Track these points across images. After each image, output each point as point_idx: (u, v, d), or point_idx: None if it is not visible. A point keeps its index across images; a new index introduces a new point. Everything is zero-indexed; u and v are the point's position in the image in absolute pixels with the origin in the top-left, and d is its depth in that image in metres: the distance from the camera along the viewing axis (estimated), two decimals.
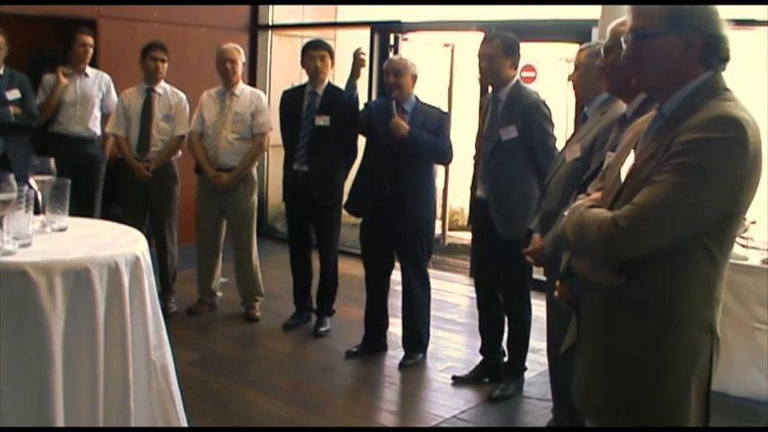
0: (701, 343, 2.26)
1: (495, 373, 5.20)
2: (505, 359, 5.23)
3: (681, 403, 2.26)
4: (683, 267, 2.24)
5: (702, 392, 2.28)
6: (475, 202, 5.15)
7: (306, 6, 9.79)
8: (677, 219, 2.18)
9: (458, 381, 5.27)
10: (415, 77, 5.46)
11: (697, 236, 2.21)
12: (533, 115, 4.77)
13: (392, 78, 5.44)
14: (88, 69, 6.90)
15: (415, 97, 5.50)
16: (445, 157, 5.51)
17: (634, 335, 2.31)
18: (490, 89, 5.05)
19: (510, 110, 4.83)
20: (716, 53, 2.26)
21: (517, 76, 4.95)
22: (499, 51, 4.87)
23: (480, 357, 5.32)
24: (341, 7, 10.03)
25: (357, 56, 5.58)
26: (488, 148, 4.93)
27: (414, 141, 5.31)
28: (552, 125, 4.80)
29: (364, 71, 5.67)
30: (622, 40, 2.39)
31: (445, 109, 6.52)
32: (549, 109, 4.85)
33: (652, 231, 2.20)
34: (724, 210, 2.20)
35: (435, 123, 5.41)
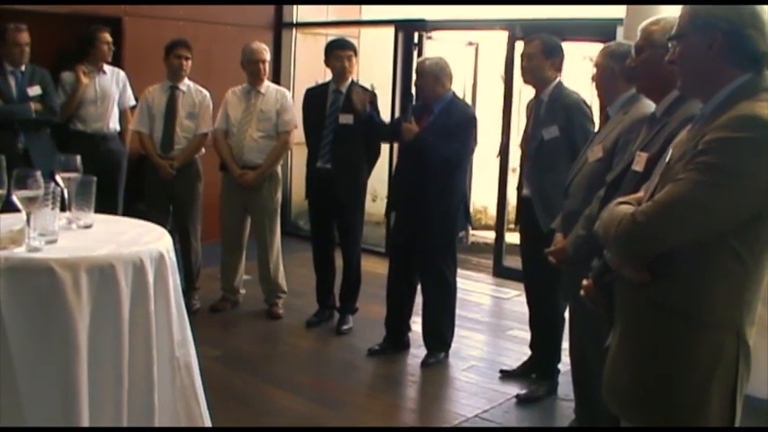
0: (725, 344, 2.25)
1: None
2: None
3: (699, 402, 2.26)
4: (708, 267, 2.23)
5: (727, 395, 2.27)
6: (521, 202, 5.18)
7: (330, 5, 9.80)
8: (694, 217, 2.17)
9: (505, 374, 5.33)
10: (437, 78, 5.37)
11: (723, 236, 2.19)
12: (574, 115, 4.78)
13: (415, 80, 5.51)
14: (105, 66, 6.93)
15: (453, 94, 5.48)
16: (448, 164, 5.34)
17: (657, 331, 2.32)
18: (534, 92, 5.05)
19: (552, 110, 4.86)
20: (743, 52, 2.25)
21: (559, 78, 4.95)
22: (538, 52, 4.92)
23: (514, 356, 5.37)
24: (365, 6, 10.03)
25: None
26: (532, 147, 4.96)
27: (418, 145, 5.33)
28: (593, 124, 4.78)
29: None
30: (669, 44, 2.40)
31: None
32: (590, 108, 4.88)
33: (668, 228, 2.21)
34: (748, 210, 2.17)
35: (453, 126, 5.34)
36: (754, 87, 2.25)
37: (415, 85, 5.55)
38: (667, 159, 2.39)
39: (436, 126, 5.35)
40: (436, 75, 5.39)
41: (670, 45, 2.40)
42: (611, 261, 2.46)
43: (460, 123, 5.36)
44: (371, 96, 5.97)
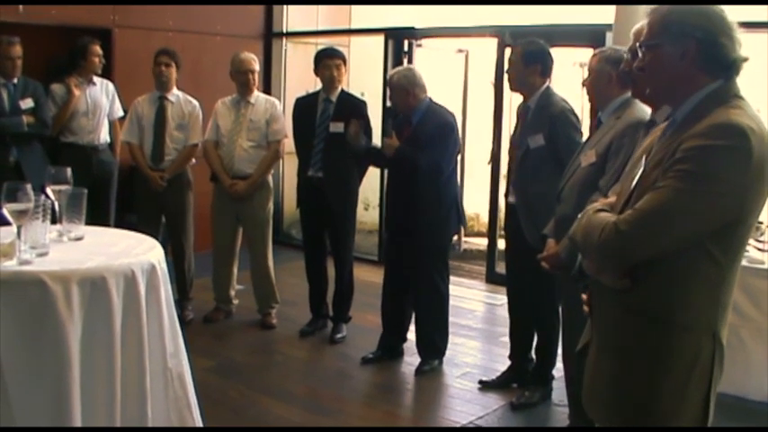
0: (702, 346, 2.27)
1: (523, 379, 5.18)
2: (532, 365, 5.20)
3: (677, 404, 2.28)
4: (687, 272, 2.25)
5: (702, 393, 2.29)
6: (508, 208, 5.17)
7: (320, 13, 9.80)
8: (677, 225, 2.19)
9: (485, 385, 5.27)
10: (407, 90, 5.35)
11: (700, 241, 2.21)
12: (559, 125, 4.71)
13: (389, 95, 5.53)
14: (94, 78, 6.90)
15: (429, 101, 5.43)
16: (430, 174, 5.30)
17: (636, 336, 2.34)
18: (522, 98, 5.03)
19: (538, 118, 4.81)
20: (716, 60, 2.26)
21: (547, 84, 4.88)
22: (517, 58, 4.87)
23: (508, 363, 5.30)
24: (355, 14, 10.03)
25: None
26: (518, 155, 4.93)
27: (398, 159, 5.37)
28: (580, 134, 4.73)
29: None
30: (639, 51, 2.40)
31: (458, 114, 6.50)
32: (576, 117, 4.81)
33: (651, 236, 2.22)
34: (726, 216, 2.19)
35: (429, 135, 5.32)
36: (725, 94, 2.26)
37: (390, 99, 5.52)
38: (641, 166, 2.39)
39: (415, 137, 5.35)
40: (405, 87, 5.37)
41: (640, 52, 2.39)
42: (587, 267, 2.46)
43: (435, 132, 5.33)
44: (362, 107, 5.98)
